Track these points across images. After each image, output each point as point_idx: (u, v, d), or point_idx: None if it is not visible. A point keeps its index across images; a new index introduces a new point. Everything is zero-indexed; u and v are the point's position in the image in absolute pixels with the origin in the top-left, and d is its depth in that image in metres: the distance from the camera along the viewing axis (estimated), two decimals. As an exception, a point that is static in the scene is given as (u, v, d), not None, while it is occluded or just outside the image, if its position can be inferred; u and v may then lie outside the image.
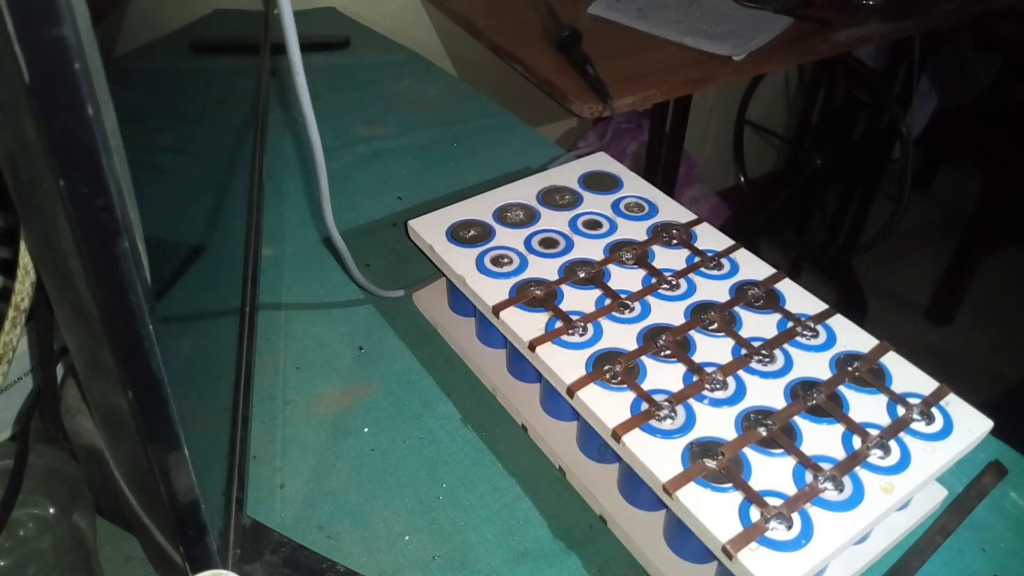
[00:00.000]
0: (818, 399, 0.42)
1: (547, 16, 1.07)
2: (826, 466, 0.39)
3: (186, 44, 0.85)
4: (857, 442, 0.40)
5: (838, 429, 0.41)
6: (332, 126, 0.78)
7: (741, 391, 0.43)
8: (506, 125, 0.82)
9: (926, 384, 0.44)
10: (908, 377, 0.44)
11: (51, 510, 0.40)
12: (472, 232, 0.54)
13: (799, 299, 0.49)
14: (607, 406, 0.42)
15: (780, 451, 0.40)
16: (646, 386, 0.43)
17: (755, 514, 0.37)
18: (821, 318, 0.47)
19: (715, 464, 0.39)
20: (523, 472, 0.48)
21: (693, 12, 1.12)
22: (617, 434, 0.40)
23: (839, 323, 0.47)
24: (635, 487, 0.44)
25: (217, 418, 0.47)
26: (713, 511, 0.37)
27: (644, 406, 0.42)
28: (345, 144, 0.76)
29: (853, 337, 0.46)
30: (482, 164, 0.74)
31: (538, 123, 1.44)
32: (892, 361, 0.45)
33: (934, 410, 0.42)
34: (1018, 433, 0.52)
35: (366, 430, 0.50)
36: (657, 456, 0.39)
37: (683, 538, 0.41)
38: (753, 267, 0.51)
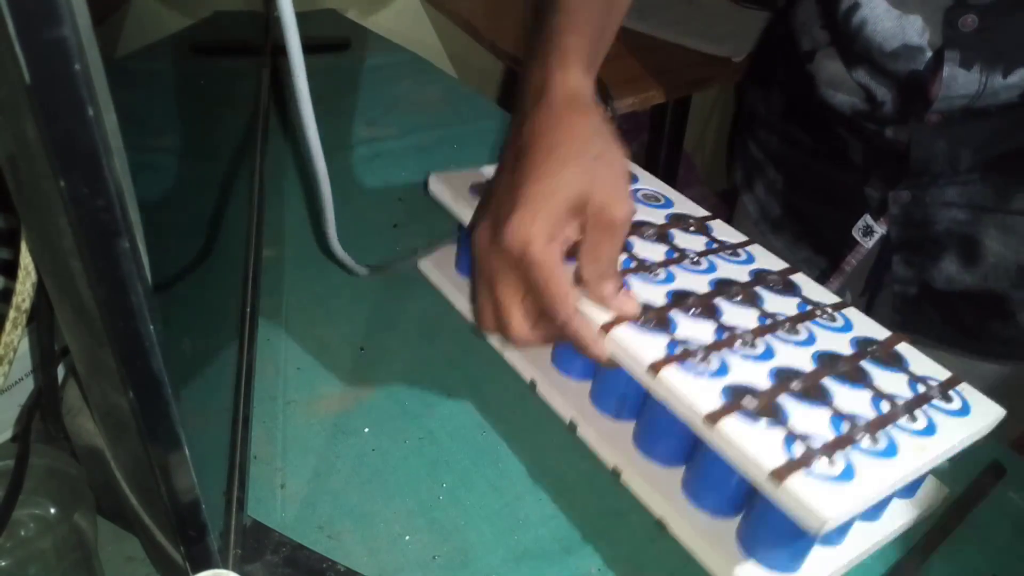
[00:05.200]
0: (844, 369, 0.43)
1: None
2: (861, 422, 0.40)
3: (187, 46, 0.85)
4: (886, 407, 0.41)
5: (867, 394, 0.41)
6: (332, 128, 0.79)
7: (770, 352, 0.43)
8: (506, 126, 0.82)
9: (940, 372, 0.44)
10: (922, 365, 0.44)
11: (52, 510, 0.40)
12: None
13: (815, 291, 0.49)
14: (642, 344, 0.41)
15: (816, 402, 0.40)
16: (678, 337, 0.43)
17: (799, 449, 0.37)
18: (837, 308, 0.48)
19: (754, 404, 0.39)
20: (523, 472, 0.48)
21: (693, 13, 1.13)
22: (656, 367, 0.40)
23: (854, 314, 0.48)
24: (654, 439, 0.44)
25: (218, 418, 0.47)
26: (757, 442, 0.37)
27: (679, 349, 0.42)
28: (345, 145, 0.77)
29: (868, 327, 0.47)
30: (482, 165, 0.74)
31: (538, 124, 1.44)
32: (906, 350, 0.45)
33: (952, 393, 0.43)
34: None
35: (366, 430, 0.50)
36: (696, 390, 0.39)
37: (706, 489, 0.41)
38: (768, 260, 0.52)
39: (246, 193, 0.65)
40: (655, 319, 0.43)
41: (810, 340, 0.45)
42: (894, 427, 0.40)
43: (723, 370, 0.41)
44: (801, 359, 0.43)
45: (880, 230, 0.62)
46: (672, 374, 0.40)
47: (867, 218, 0.62)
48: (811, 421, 0.39)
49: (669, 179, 1.37)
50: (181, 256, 0.48)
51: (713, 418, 0.38)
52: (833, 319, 0.47)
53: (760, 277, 0.49)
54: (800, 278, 0.50)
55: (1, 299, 0.42)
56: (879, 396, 0.41)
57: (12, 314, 0.38)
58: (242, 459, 0.46)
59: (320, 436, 0.49)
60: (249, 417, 0.49)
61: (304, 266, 0.63)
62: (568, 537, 0.44)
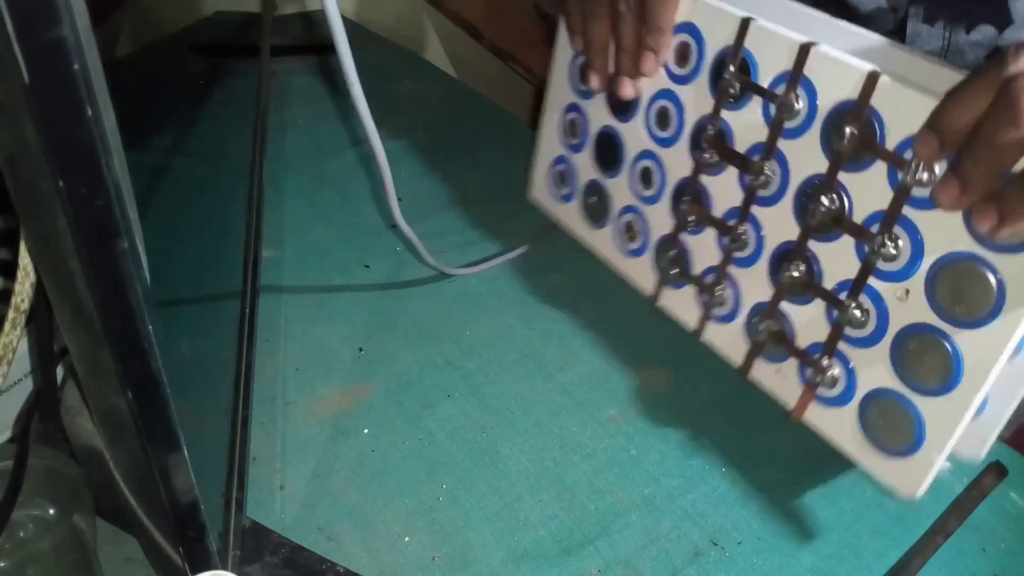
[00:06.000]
0: (823, 208, 0.38)
1: (539, 20, 1.07)
2: (846, 297, 0.38)
3: (187, 46, 0.85)
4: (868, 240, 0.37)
5: (849, 242, 0.38)
6: (331, 128, 0.79)
7: (759, 240, 0.42)
8: (506, 126, 0.82)
9: (923, 107, 0.34)
10: (906, 111, 0.35)
11: (51, 511, 0.40)
12: (594, 200, 0.53)
13: (769, 54, 0.41)
14: (682, 307, 0.47)
15: (807, 294, 0.40)
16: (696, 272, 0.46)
17: (811, 371, 0.39)
18: (797, 74, 0.39)
19: (765, 332, 0.42)
20: (523, 472, 0.48)
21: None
22: (697, 332, 0.45)
23: (817, 66, 0.38)
24: None
25: (217, 419, 0.47)
26: (778, 381, 0.41)
27: (704, 297, 0.45)
28: (345, 146, 0.76)
29: (837, 79, 0.37)
30: (482, 165, 0.74)
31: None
32: (886, 94, 0.36)
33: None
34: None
35: (366, 431, 0.50)
36: (727, 343, 0.44)
37: None
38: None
39: (245, 194, 0.65)
40: (676, 264, 0.47)
41: (784, 180, 0.40)
42: (875, 278, 0.37)
43: (736, 303, 0.44)
44: (784, 222, 0.41)
45: None
46: (710, 335, 0.45)
47: None
48: (810, 321, 0.40)
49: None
50: (180, 256, 0.48)
51: (744, 373, 0.42)
52: (794, 106, 0.39)
53: (720, 89, 0.43)
54: (755, 39, 0.40)
55: (0, 299, 0.42)
56: (858, 237, 0.37)
57: (11, 314, 0.38)
58: (241, 460, 0.46)
59: (319, 437, 0.49)
60: (248, 418, 0.49)
61: (303, 267, 0.63)
62: (568, 538, 0.44)
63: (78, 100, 0.23)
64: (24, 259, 0.37)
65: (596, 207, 0.53)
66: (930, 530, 0.45)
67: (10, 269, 0.37)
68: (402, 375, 0.54)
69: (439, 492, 0.46)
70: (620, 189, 0.51)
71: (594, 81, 0.50)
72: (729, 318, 0.45)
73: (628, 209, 0.50)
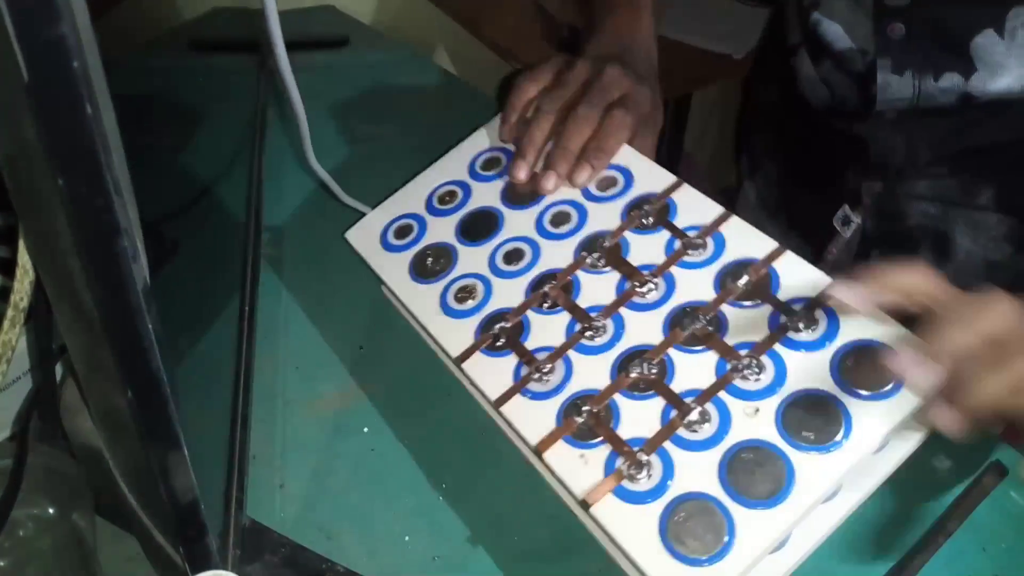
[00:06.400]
0: (697, 326, 0.41)
1: (540, 17, 1.07)
2: (691, 400, 0.38)
3: (186, 42, 0.85)
4: (731, 365, 0.39)
5: (713, 356, 0.40)
6: (331, 125, 0.78)
7: (618, 334, 0.42)
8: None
9: (818, 281, 0.40)
10: (800, 279, 0.41)
11: (50, 510, 0.40)
12: (431, 260, 0.50)
13: (692, 210, 0.46)
14: (490, 372, 0.44)
15: (648, 393, 0.40)
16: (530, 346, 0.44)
17: (622, 464, 0.38)
18: (711, 230, 0.44)
19: (580, 421, 0.40)
20: (523, 472, 0.47)
21: (693, 11, 1.12)
22: (500, 400, 0.42)
23: (733, 230, 0.44)
24: None
25: (217, 418, 0.47)
26: (576, 475, 0.38)
27: (525, 369, 0.43)
28: (344, 143, 0.76)
29: (745, 246, 0.43)
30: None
31: (538, 122, 1.43)
32: (783, 266, 0.42)
33: (819, 313, 0.39)
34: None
35: (366, 430, 0.50)
36: (530, 421, 0.41)
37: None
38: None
39: (245, 191, 0.65)
40: (507, 335, 0.44)
41: (666, 295, 0.43)
42: (728, 392, 0.38)
43: (563, 383, 0.41)
44: (650, 328, 0.41)
45: (856, 220, 0.63)
46: (513, 408, 0.41)
47: (845, 208, 0.64)
48: (641, 415, 0.39)
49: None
50: (180, 255, 0.48)
51: (540, 450, 0.39)
52: (703, 247, 0.44)
53: (632, 215, 0.46)
54: (682, 194, 0.47)
55: (-1, 298, 0.42)
56: (723, 355, 0.39)
57: (10, 312, 0.38)
58: (241, 459, 0.46)
59: (319, 436, 0.49)
60: (248, 417, 0.49)
61: (303, 265, 0.63)
62: (568, 537, 0.44)
63: (77, 98, 0.22)
64: (23, 257, 0.37)
65: (431, 266, 0.50)
66: (930, 530, 0.45)
67: (9, 267, 0.37)
68: (402, 374, 0.54)
69: (439, 491, 0.46)
70: (473, 257, 0.49)
71: (520, 172, 0.51)
72: (544, 396, 0.42)
73: (474, 276, 0.48)
